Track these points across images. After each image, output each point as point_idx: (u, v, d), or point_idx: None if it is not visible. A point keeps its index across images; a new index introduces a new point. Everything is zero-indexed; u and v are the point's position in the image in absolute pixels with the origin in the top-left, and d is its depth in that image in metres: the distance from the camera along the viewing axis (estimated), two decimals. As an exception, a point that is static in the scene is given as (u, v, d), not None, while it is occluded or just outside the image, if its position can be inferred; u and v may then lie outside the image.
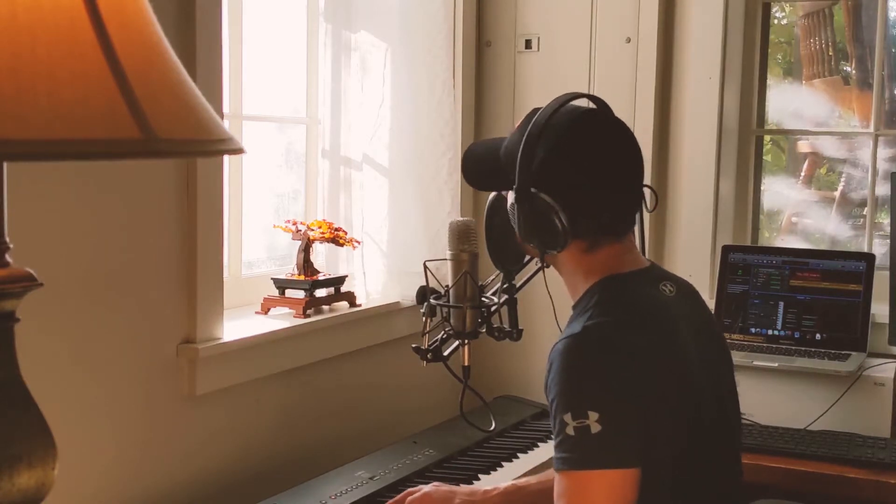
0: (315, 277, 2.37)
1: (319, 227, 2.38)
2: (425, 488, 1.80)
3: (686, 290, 1.69)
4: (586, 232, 1.58)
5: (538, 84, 2.93)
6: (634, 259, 1.65)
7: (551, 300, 1.72)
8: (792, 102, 3.20)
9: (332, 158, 2.50)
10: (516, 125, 1.69)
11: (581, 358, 1.49)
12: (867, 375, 2.42)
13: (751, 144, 2.95)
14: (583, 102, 1.68)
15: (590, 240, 1.59)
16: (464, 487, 1.89)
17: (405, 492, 1.82)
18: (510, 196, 1.65)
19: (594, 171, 1.59)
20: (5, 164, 1.04)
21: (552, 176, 1.56)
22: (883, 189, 2.79)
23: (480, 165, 1.76)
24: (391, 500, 1.81)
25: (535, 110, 1.63)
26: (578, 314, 1.59)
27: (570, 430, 1.43)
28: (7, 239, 1.05)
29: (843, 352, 2.52)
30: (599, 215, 1.59)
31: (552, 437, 1.51)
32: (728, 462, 1.66)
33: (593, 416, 1.42)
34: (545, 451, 2.29)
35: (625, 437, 1.44)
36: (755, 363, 2.47)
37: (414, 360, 1.92)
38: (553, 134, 1.57)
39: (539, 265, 1.88)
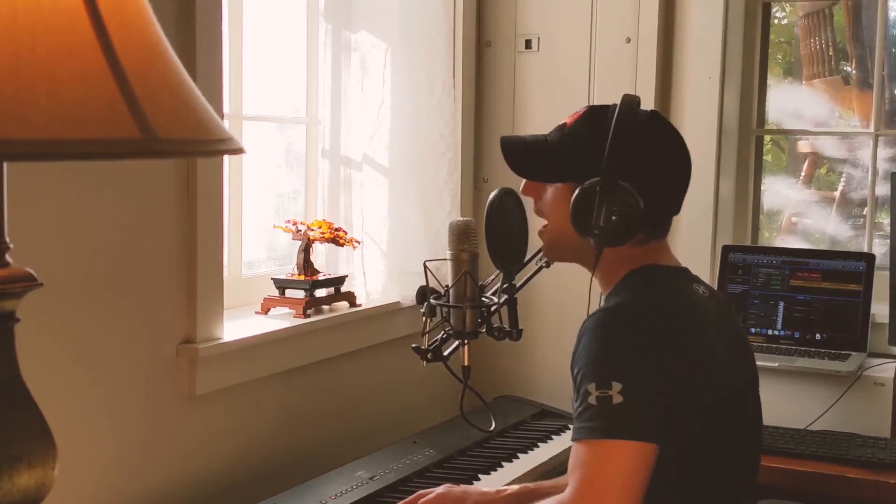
0: (315, 277, 2.37)
1: (319, 227, 2.38)
2: (438, 490, 1.79)
3: (717, 296, 1.72)
4: (650, 225, 1.61)
5: (538, 84, 2.92)
6: (671, 257, 1.69)
7: (589, 297, 1.70)
8: (792, 102, 3.20)
9: (332, 158, 2.50)
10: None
11: (611, 331, 1.51)
12: (867, 375, 2.42)
13: (751, 144, 2.95)
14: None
15: (646, 233, 1.62)
16: (475, 488, 1.89)
17: (417, 493, 1.82)
18: (558, 186, 1.65)
19: (669, 168, 1.66)
20: (5, 164, 1.04)
21: (635, 168, 1.58)
22: (883, 189, 2.79)
23: (531, 150, 1.73)
24: (403, 502, 1.81)
25: (594, 107, 1.68)
26: (613, 296, 1.62)
27: (592, 400, 1.45)
28: (7, 239, 1.05)
29: (843, 352, 2.51)
30: (665, 210, 1.64)
31: (574, 410, 1.51)
32: (743, 461, 1.66)
33: (616, 386, 1.44)
34: (545, 451, 2.29)
35: (646, 411, 1.45)
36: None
37: (414, 360, 1.92)
38: (635, 130, 1.60)
39: (539, 265, 1.89)
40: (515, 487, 1.83)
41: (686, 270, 1.70)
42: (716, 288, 2.69)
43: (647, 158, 1.61)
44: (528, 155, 1.72)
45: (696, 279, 1.69)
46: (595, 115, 1.65)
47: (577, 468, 1.46)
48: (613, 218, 1.55)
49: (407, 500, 1.80)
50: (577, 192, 1.58)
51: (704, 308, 1.62)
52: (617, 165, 1.56)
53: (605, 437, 1.44)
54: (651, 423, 1.45)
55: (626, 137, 1.58)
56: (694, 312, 1.59)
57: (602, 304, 1.64)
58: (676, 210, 1.69)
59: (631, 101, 1.62)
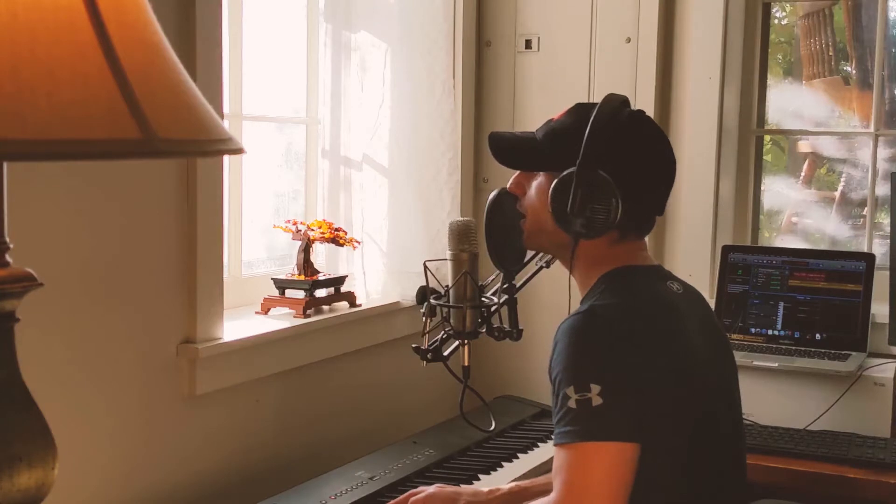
0: (315, 277, 2.37)
1: (319, 227, 2.38)
2: (428, 489, 1.79)
3: (691, 292, 1.71)
4: (627, 222, 1.60)
5: (538, 84, 2.92)
6: (646, 257, 1.70)
7: (569, 298, 1.72)
8: (792, 102, 3.20)
9: (332, 158, 2.50)
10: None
11: (585, 334, 1.51)
12: (867, 375, 2.42)
13: (751, 144, 2.95)
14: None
15: (622, 231, 1.62)
16: (467, 488, 1.88)
17: (408, 493, 1.81)
18: (541, 178, 1.67)
19: (650, 165, 1.66)
20: (5, 164, 1.04)
21: (614, 161, 1.59)
22: (883, 189, 2.79)
23: (517, 143, 1.75)
24: (393, 501, 1.81)
25: (581, 104, 1.69)
26: (588, 299, 1.61)
27: (571, 403, 1.45)
28: (7, 239, 1.05)
29: (843, 352, 2.51)
30: (644, 208, 1.64)
31: (553, 416, 1.51)
32: (733, 459, 1.66)
33: (595, 388, 1.44)
34: (545, 451, 2.29)
35: (626, 411, 1.45)
36: (755, 363, 2.47)
37: (414, 360, 1.92)
38: (618, 124, 1.61)
39: (539, 265, 1.89)
40: (507, 487, 1.83)
41: (659, 268, 1.71)
42: (715, 288, 2.69)
43: (627, 153, 1.62)
44: (512, 146, 1.76)
45: (670, 276, 1.70)
46: (580, 110, 1.67)
47: (560, 472, 1.46)
48: (589, 206, 1.57)
49: (397, 500, 1.80)
50: (555, 180, 1.61)
51: (680, 306, 1.62)
52: (595, 155, 1.58)
53: (586, 439, 1.44)
54: (632, 422, 1.45)
55: (606, 131, 1.59)
56: (670, 312, 1.59)
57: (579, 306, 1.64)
58: (659, 211, 1.69)
59: (614, 99, 1.65)
